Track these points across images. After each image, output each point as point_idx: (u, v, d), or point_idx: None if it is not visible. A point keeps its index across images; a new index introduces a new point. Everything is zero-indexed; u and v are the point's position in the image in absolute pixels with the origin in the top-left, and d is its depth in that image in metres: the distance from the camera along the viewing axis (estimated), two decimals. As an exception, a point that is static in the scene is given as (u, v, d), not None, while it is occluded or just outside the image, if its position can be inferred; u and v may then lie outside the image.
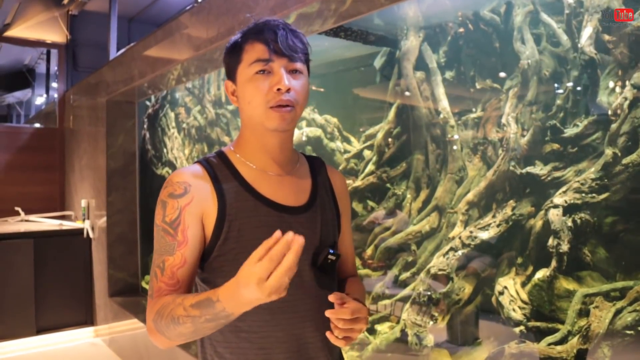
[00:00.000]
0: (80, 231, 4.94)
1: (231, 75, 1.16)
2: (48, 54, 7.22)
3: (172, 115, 4.51)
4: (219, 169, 1.15)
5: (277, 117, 1.09)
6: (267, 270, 0.86)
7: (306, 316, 1.13)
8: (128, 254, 4.67)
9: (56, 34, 5.80)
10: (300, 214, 1.16)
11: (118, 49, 4.76)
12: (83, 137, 5.31)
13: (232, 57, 1.14)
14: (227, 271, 1.09)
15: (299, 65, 1.12)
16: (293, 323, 1.12)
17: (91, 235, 4.89)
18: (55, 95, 6.16)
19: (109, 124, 4.57)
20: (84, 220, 4.97)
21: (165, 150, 4.57)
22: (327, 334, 1.06)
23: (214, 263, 1.11)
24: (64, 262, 4.84)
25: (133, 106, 4.69)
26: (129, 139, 4.68)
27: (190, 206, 1.08)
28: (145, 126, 4.86)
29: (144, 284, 4.74)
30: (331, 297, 1.05)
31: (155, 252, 1.11)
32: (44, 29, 5.73)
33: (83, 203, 5.02)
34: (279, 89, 1.09)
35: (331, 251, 1.15)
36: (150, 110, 4.83)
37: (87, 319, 4.95)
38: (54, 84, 6.71)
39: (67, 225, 5.10)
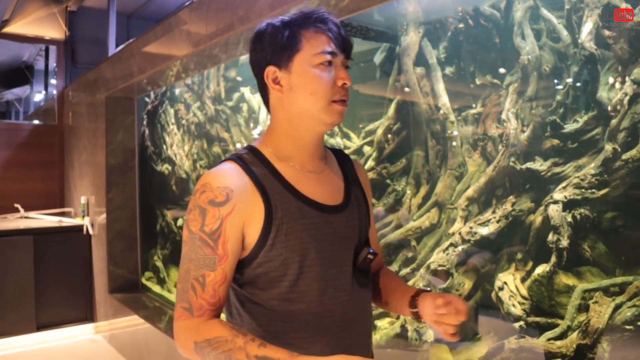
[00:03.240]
0: (80, 228, 4.95)
1: (279, 62, 1.07)
2: (47, 50, 7.20)
3: (171, 111, 4.51)
4: (257, 167, 1.08)
5: (338, 111, 1.07)
6: None
7: (351, 317, 1.11)
8: (128, 251, 4.67)
9: (55, 30, 5.79)
10: (339, 213, 1.12)
11: (117, 45, 4.75)
12: (82, 134, 5.30)
13: (286, 43, 1.06)
14: (273, 277, 1.05)
15: (347, 62, 1.11)
16: (340, 325, 1.09)
17: (91, 231, 4.89)
18: (54, 92, 6.15)
19: (108, 120, 4.56)
20: (83, 216, 4.97)
21: (164, 146, 4.57)
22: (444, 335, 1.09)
23: (259, 269, 1.06)
24: (64, 258, 4.85)
25: (132, 102, 4.69)
26: (129, 136, 4.68)
27: (232, 215, 1.02)
28: (144, 122, 4.86)
29: (143, 280, 4.74)
30: (441, 306, 1.07)
31: (190, 261, 1.04)
32: (42, 25, 5.71)
33: (83, 200, 5.02)
34: (344, 84, 1.07)
35: (371, 250, 1.13)
36: (149, 107, 4.83)
37: (87, 315, 4.96)
38: (53, 81, 6.69)
39: (67, 221, 5.10)
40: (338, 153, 1.26)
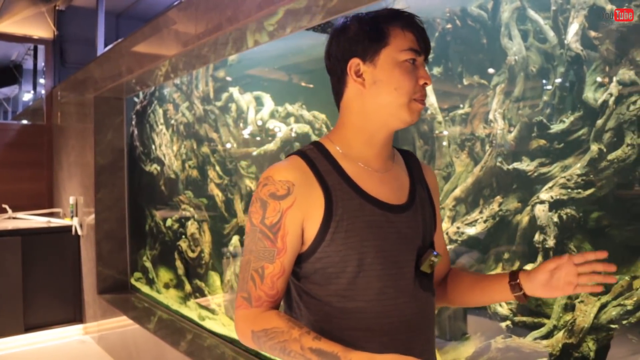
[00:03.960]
0: (68, 228, 4.91)
1: (365, 55, 1.07)
2: (35, 49, 7.14)
3: (160, 111, 4.49)
4: (321, 163, 1.08)
5: (418, 110, 1.08)
6: None
7: (411, 320, 1.09)
8: (117, 251, 4.64)
9: (43, 30, 5.75)
10: (402, 213, 1.11)
11: (106, 45, 4.73)
12: (71, 134, 5.27)
13: (373, 36, 1.06)
14: (331, 273, 1.06)
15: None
16: (397, 327, 1.08)
17: (79, 232, 4.86)
18: (43, 92, 6.10)
19: (97, 120, 4.54)
20: (72, 217, 4.93)
21: (153, 146, 4.55)
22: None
23: (317, 264, 1.06)
24: (52, 259, 4.81)
25: (121, 102, 4.66)
26: (118, 136, 4.65)
27: (292, 209, 1.03)
28: (133, 122, 4.84)
29: (132, 281, 4.72)
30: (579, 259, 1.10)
31: (251, 252, 1.06)
32: (30, 25, 5.67)
33: (71, 200, 4.99)
34: (425, 84, 1.07)
35: (435, 253, 1.11)
36: (138, 107, 4.80)
37: (76, 316, 4.92)
38: (42, 80, 6.64)
39: (55, 222, 5.06)
40: (406, 154, 1.25)
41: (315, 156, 1.09)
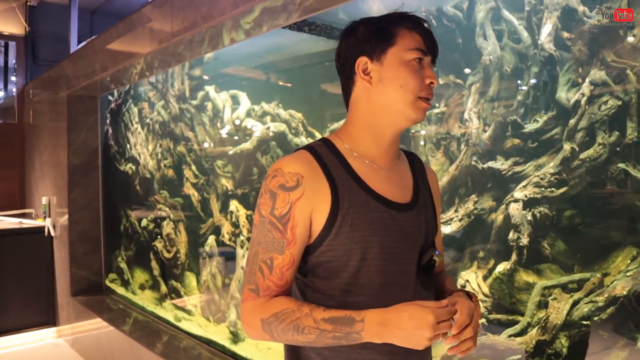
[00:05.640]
0: (41, 229, 4.82)
1: (373, 54, 1.10)
2: (6, 46, 6.97)
3: (135, 110, 4.42)
4: (329, 159, 1.10)
5: (423, 108, 1.09)
6: (446, 323, 0.93)
7: None
8: (91, 252, 4.57)
9: (14, 26, 5.62)
10: (407, 211, 1.13)
11: (80, 42, 4.64)
12: (43, 133, 5.16)
13: (380, 36, 1.09)
14: (334, 266, 1.08)
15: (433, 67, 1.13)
16: None
17: (52, 233, 4.76)
18: (14, 90, 5.97)
19: (70, 119, 4.45)
20: (45, 218, 4.84)
21: (128, 145, 4.48)
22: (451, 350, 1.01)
23: (322, 257, 1.08)
24: (25, 261, 4.72)
25: (95, 101, 4.58)
26: (92, 135, 4.57)
27: (301, 201, 1.05)
28: (108, 121, 4.76)
29: (107, 282, 4.64)
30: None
31: (259, 244, 1.07)
32: (1, 21, 5.53)
33: (44, 200, 4.89)
34: (431, 83, 1.08)
35: (437, 252, 1.12)
36: (113, 105, 4.73)
37: (49, 319, 4.83)
38: (13, 78, 6.50)
39: (28, 223, 4.96)
40: (410, 155, 1.27)
41: (323, 152, 1.11)
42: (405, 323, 0.93)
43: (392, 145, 1.15)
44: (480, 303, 1.14)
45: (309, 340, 1.00)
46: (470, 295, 1.10)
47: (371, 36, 1.10)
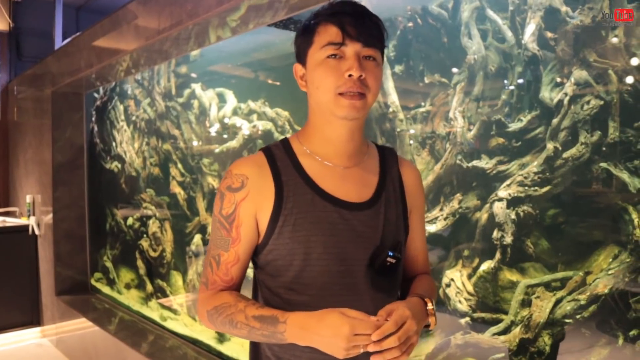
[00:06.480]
0: (25, 228, 4.76)
1: (301, 58, 1.11)
2: (-10, 42, 6.88)
3: (121, 107, 4.39)
4: (281, 160, 1.11)
5: (347, 104, 1.03)
6: (363, 337, 0.92)
7: None
8: (76, 251, 4.52)
9: (-2, 22, 5.54)
10: (361, 211, 1.09)
11: (66, 39, 4.59)
12: (28, 130, 5.10)
13: (303, 39, 1.08)
14: (280, 265, 1.08)
15: (372, 51, 1.05)
16: None
17: (37, 232, 4.71)
18: (-2, 86, 5.89)
19: (55, 116, 4.40)
20: (29, 216, 4.78)
21: (114, 143, 4.44)
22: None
23: (269, 256, 1.10)
24: (8, 260, 4.67)
25: (80, 98, 4.54)
26: (77, 132, 4.53)
27: (245, 201, 1.08)
28: (93, 119, 4.71)
29: (93, 282, 4.60)
30: (380, 315, 0.96)
31: (211, 240, 1.13)
32: (-16, 16, 5.46)
33: (28, 199, 4.83)
34: (350, 75, 1.02)
35: (390, 254, 1.08)
36: (98, 103, 4.68)
37: (33, 319, 4.78)
38: (-3, 74, 6.41)
39: (11, 221, 4.91)
40: (386, 150, 1.23)
41: (277, 152, 1.13)
42: (323, 330, 0.93)
43: (347, 143, 1.11)
44: (434, 312, 1.08)
45: (243, 335, 1.05)
46: (425, 302, 1.06)
47: (298, 40, 1.11)
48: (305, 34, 1.08)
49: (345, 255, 1.07)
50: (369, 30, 1.04)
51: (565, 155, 1.83)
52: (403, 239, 1.17)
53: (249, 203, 1.07)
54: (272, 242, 1.08)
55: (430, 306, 1.07)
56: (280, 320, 0.99)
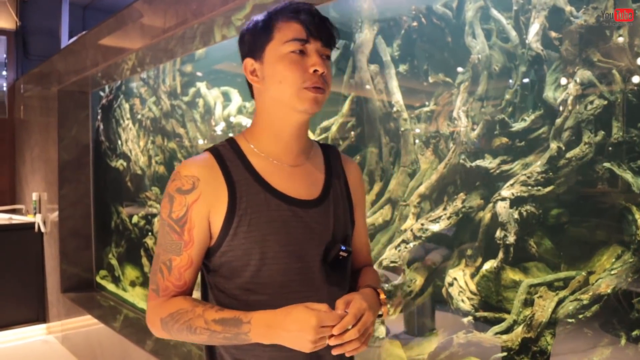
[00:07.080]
0: (31, 225, 4.79)
1: (255, 53, 1.10)
2: (-3, 40, 6.92)
3: (126, 106, 4.41)
4: (230, 159, 1.10)
5: (311, 98, 1.05)
6: (329, 328, 0.94)
7: None
8: (82, 249, 4.55)
9: (5, 20, 5.57)
10: (312, 208, 1.12)
11: (72, 37, 4.61)
12: (34, 128, 5.13)
13: (259, 34, 1.09)
14: (235, 266, 1.08)
15: (328, 51, 1.09)
16: None
17: (43, 229, 4.74)
18: (5, 84, 5.93)
19: (61, 114, 4.43)
20: (35, 214, 4.81)
21: (119, 142, 4.47)
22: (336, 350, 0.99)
23: (223, 258, 1.08)
24: (15, 257, 4.69)
25: (86, 96, 4.56)
26: (83, 130, 4.55)
27: (197, 203, 1.06)
28: (99, 117, 4.74)
29: (98, 279, 4.63)
30: (338, 306, 1.00)
31: (160, 245, 1.09)
32: (-8, 15, 5.49)
33: (34, 196, 4.86)
34: (315, 71, 1.05)
35: (343, 248, 1.11)
36: (104, 101, 4.70)
37: (39, 315, 4.81)
38: (4, 72, 6.45)
39: (18, 219, 4.94)
40: (329, 149, 1.26)
41: (225, 152, 1.11)
42: (289, 325, 0.94)
43: (296, 141, 1.14)
44: (386, 302, 1.12)
45: (202, 340, 1.03)
46: (377, 293, 1.10)
47: (253, 36, 1.10)
48: (261, 30, 1.09)
49: (301, 252, 1.09)
50: (328, 31, 1.09)
51: (568, 155, 1.83)
52: (350, 233, 1.22)
53: (201, 205, 1.06)
54: (226, 243, 1.07)
55: (382, 296, 1.11)
56: (244, 320, 0.98)
